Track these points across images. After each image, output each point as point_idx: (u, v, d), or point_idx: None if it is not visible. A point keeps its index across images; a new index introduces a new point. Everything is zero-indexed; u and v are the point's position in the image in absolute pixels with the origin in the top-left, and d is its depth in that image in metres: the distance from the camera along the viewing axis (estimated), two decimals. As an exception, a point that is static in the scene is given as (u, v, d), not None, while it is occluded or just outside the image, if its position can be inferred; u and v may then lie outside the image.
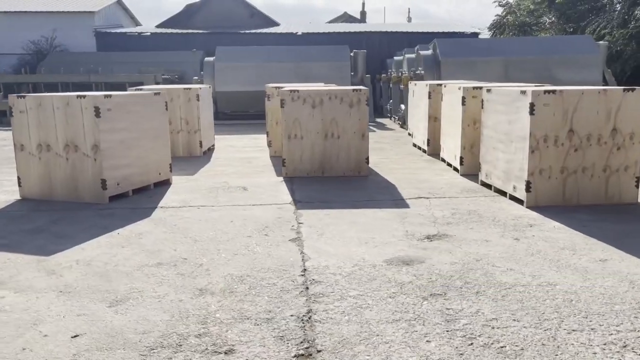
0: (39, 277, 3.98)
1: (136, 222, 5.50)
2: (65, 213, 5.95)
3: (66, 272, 4.08)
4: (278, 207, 6.10)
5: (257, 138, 12.90)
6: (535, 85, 7.03)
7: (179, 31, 24.96)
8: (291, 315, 3.30)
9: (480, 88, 7.67)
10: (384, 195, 6.68)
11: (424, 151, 10.14)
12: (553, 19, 27.70)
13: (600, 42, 15.30)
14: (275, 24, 26.82)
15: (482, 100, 7.00)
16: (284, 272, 4.06)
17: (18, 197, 6.76)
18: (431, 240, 4.78)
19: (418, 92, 10.57)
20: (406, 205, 6.09)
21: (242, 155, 10.17)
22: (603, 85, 13.40)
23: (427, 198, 6.44)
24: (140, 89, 9.95)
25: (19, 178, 6.69)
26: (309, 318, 3.27)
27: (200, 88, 10.26)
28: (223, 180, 7.76)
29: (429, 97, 9.72)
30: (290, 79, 16.22)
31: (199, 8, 27.05)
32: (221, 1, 26.88)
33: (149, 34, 25.00)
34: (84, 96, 6.25)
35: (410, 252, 4.46)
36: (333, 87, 8.94)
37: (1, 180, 7.92)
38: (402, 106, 14.58)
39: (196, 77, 17.87)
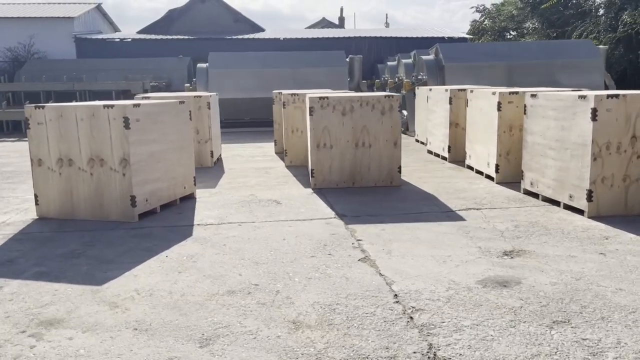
0: (102, 312, 3.51)
1: (180, 243, 5.04)
2: (96, 234, 5.44)
3: (131, 305, 3.62)
4: (325, 222, 5.71)
5: (261, 147, 12.47)
6: (576, 90, 6.82)
7: (162, 37, 24.33)
8: (414, 352, 2.93)
9: (517, 93, 7.45)
10: (429, 206, 6.35)
11: (444, 158, 9.88)
12: (536, 24, 27.97)
13: (600, 46, 15.36)
14: (260, 29, 26.38)
15: (525, 106, 6.75)
16: (374, 298, 3.67)
17: (34, 216, 6.21)
18: (512, 257, 4.46)
19: (435, 97, 10.31)
20: (460, 218, 5.77)
21: (256, 166, 9.73)
22: (604, 89, 13.40)
23: (478, 209, 6.13)
24: (148, 97, 9.43)
25: (36, 196, 6.15)
26: (435, 355, 2.90)
27: (210, 96, 9.79)
28: (249, 193, 7.33)
29: (450, 103, 9.46)
30: (288, 85, 15.82)
31: (181, 14, 26.42)
32: (204, 7, 26.33)
33: (130, 40, 24.28)
34: (112, 106, 5.76)
35: (499, 272, 4.13)
36: (342, 93, 8.59)
37: (6, 198, 7.33)
38: (405, 112, 14.32)
39: (188, 84, 17.33)
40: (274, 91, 11.55)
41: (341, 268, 4.29)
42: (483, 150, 8.04)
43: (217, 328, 3.26)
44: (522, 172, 6.89)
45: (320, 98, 7.37)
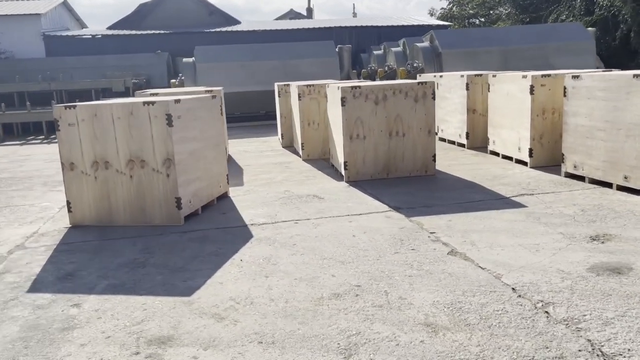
0: (211, 326, 3.21)
1: (246, 245, 4.74)
2: (147, 240, 5.08)
3: (237, 316, 3.33)
4: (384, 215, 5.49)
5: (265, 141, 12.14)
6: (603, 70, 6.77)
7: (136, 32, 23.50)
8: (579, 350, 2.75)
9: (549, 75, 7.37)
10: (479, 194, 6.21)
11: (461, 145, 9.78)
12: (509, 9, 28.28)
13: (589, 28, 15.55)
14: (236, 22, 25.79)
15: (565, 88, 6.66)
16: (493, 293, 3.49)
17: (65, 224, 5.79)
18: (603, 242, 4.35)
19: (447, 84, 10.17)
20: (519, 204, 5.64)
21: (271, 161, 9.42)
22: (597, 71, 13.55)
23: (531, 195, 6.02)
24: (156, 94, 8.98)
25: (68, 202, 5.72)
26: (601, 352, 2.74)
27: (220, 90, 9.41)
28: (283, 189, 7.04)
29: (467, 89, 9.35)
30: (278, 77, 15.44)
31: (152, 7, 25.59)
32: (177, 0, 25.56)
33: (101, 36, 23.38)
34: (153, 103, 5.38)
35: (602, 258, 4.00)
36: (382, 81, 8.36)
37: (21, 206, 6.84)
38: None
39: (174, 80, 16.75)
40: (278, 83, 11.23)
41: (435, 263, 4.08)
42: (512, 135, 7.95)
43: (350, 336, 3.01)
44: (563, 155, 6.82)
45: (353, 87, 7.12)
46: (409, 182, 7.02)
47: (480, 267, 3.96)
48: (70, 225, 5.73)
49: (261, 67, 15.82)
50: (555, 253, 4.15)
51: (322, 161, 8.98)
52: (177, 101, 5.53)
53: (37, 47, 22.37)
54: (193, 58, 16.30)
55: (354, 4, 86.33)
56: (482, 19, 35.83)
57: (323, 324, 3.17)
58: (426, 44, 14.42)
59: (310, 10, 46.16)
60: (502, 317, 3.14)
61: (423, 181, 7.08)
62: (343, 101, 7.10)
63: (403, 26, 23.41)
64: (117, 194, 5.61)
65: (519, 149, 7.79)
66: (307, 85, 9.14)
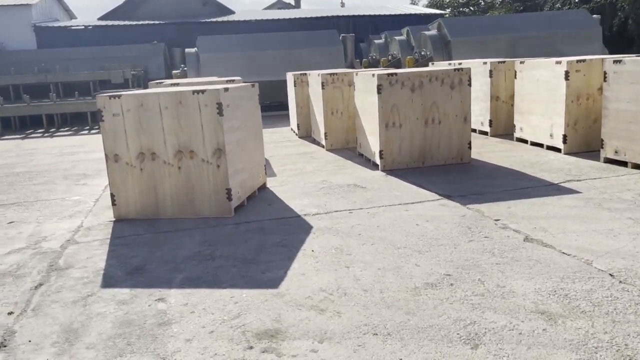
0: (315, 318, 3.11)
1: (310, 236, 4.63)
2: (204, 232, 4.94)
3: (337, 307, 3.22)
4: (439, 204, 5.42)
5: (278, 131, 11.98)
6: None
7: (130, 23, 23.06)
8: None
9: (584, 61, 7.34)
10: (524, 181, 6.17)
11: (483, 133, 9.74)
12: (503, -3, 28.34)
13: (594, 15, 15.61)
14: (230, 12, 25.46)
15: (605, 73, 6.64)
16: (592, 279, 3.43)
17: (108, 218, 5.62)
18: (676, 226, 4.33)
19: (467, 71, 10.08)
20: (572, 190, 5.61)
21: (293, 151, 9.29)
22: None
23: (579, 180, 6.00)
24: (177, 84, 8.77)
25: (112, 195, 5.54)
26: None
27: (240, 80, 9.22)
28: (319, 179, 6.93)
29: (490, 76, 9.30)
30: (283, 67, 15.27)
31: (145, -3, 25.14)
32: (170, -11, 25.10)
33: (92, 27, 22.89)
34: (203, 91, 5.22)
35: (684, 242, 3.98)
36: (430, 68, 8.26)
37: (53, 200, 6.64)
38: None
39: (176, 71, 16.45)
40: (293, 72, 11.07)
41: (516, 250, 4.02)
42: (543, 121, 7.93)
43: (466, 326, 2.93)
44: (602, 140, 6.81)
45: (389, 74, 7.01)
46: (447, 170, 6.96)
47: (564, 253, 3.91)
48: (114, 219, 5.56)
49: (265, 57, 15.61)
50: (635, 238, 4.12)
51: (347, 151, 8.87)
52: (226, 90, 5.38)
53: (27, 39, 21.86)
54: (195, 48, 16.01)
55: None
56: (473, 8, 35.91)
57: (432, 314, 3.09)
58: (434, 32, 14.35)
59: (297, 1, 45.80)
60: (616, 304, 3.09)
61: (461, 169, 7.02)
62: (379, 89, 6.99)
63: (400, 15, 23.34)
64: (164, 186, 5.45)
65: (551, 135, 7.76)
66: (331, 74, 9.00)
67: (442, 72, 7.13)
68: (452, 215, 4.98)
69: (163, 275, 3.93)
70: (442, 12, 24.96)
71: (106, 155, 5.48)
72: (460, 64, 10.45)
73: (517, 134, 8.71)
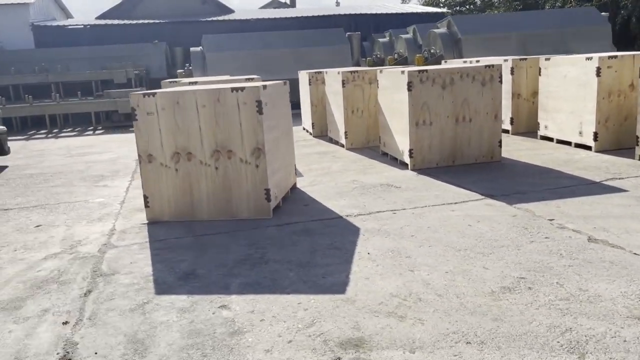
0: (397, 325, 2.94)
1: (360, 238, 4.46)
2: (246, 235, 4.76)
3: (416, 314, 3.06)
4: (484, 203, 5.27)
5: (291, 131, 11.76)
6: None
7: (130, 22, 22.75)
8: None
9: (616, 57, 7.23)
10: (564, 179, 6.04)
11: (504, 131, 9.56)
12: (502, -5, 28.30)
13: (602, 13, 15.56)
14: (229, 10, 25.23)
15: (640, 70, 6.53)
16: (674, 281, 3.30)
17: (140, 220, 5.42)
18: None
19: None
20: (617, 189, 5.48)
21: (313, 150, 9.12)
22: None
23: (621, 179, 5.88)
24: (195, 82, 8.57)
25: (145, 197, 5.34)
26: None
27: (259, 78, 9.04)
28: (349, 179, 6.77)
29: (512, 73, 9.18)
30: (290, 65, 15.11)
31: (143, -4, 24.83)
32: (168, -12, 24.81)
33: (90, 26, 22.55)
34: (242, 89, 5.03)
35: None
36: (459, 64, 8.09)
37: (74, 203, 6.42)
38: None
39: (181, 70, 16.21)
40: (306, 71, 10.90)
41: (584, 251, 3.88)
42: (570, 119, 7.81)
43: (563, 333, 2.78)
44: (638, 137, 6.70)
45: (420, 71, 6.86)
46: (480, 169, 6.82)
47: (637, 254, 3.77)
48: (146, 222, 5.36)
49: (272, 56, 15.43)
50: (703, 237, 3.99)
51: (368, 150, 8.71)
52: (265, 87, 5.20)
53: (25, 38, 21.50)
54: (201, 47, 15.79)
55: None
56: (469, 7, 35.87)
57: (521, 320, 2.93)
58: (443, 30, 14.22)
59: (293, 0, 45.64)
60: None
61: (493, 168, 6.89)
62: (409, 86, 6.83)
63: (401, 14, 23.23)
64: (201, 187, 5.26)
65: (580, 133, 7.65)
66: (352, 72, 8.84)
67: (473, 69, 6.99)
68: (502, 215, 4.83)
69: (218, 281, 3.75)
70: (444, 10, 24.88)
71: (139, 156, 5.28)
72: (477, 61, 10.32)
73: (541, 132, 8.59)
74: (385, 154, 8.07)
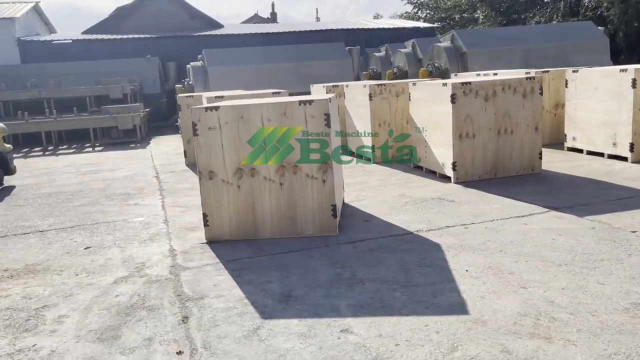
0: (548, 347, 2.79)
1: (449, 254, 4.32)
2: (322, 252, 4.57)
3: (559, 334, 2.92)
4: (553, 216, 5.19)
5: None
6: None
7: (119, 36, 22.34)
8: None
9: (651, 69, 7.30)
10: (618, 191, 6.02)
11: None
12: (487, 12, 28.79)
13: (600, 27, 15.90)
14: (219, 25, 25.05)
15: (682, 81, 6.60)
16: None
17: (197, 240, 5.18)
18: None
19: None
20: (679, 199, 5.48)
21: (339, 164, 8.96)
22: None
23: (676, 189, 5.89)
24: (221, 97, 8.36)
25: (205, 215, 5.11)
26: None
27: (286, 92, 8.88)
28: (395, 192, 6.64)
29: (535, 86, 9.20)
30: (292, 80, 15.04)
31: (131, 11, 24.48)
32: (156, 3, 24.50)
33: (75, 41, 22.06)
34: (310, 102, 4.87)
35: None
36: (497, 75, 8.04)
37: (118, 222, 6.14)
38: None
39: (180, 85, 15.93)
40: (322, 85, 10.79)
41: (688, 263, 3.81)
42: (603, 130, 7.85)
43: None
44: (679, 148, 6.75)
45: (463, 84, 6.81)
46: (524, 181, 6.77)
47: None
48: (205, 241, 5.12)
49: (274, 70, 15.30)
50: None
51: (396, 163, 8.61)
52: (330, 100, 5.05)
53: (11, 53, 20.91)
54: (201, 62, 15.56)
55: (317, 9, 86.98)
56: (450, 22, 36.40)
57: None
58: (447, 43, 14.31)
59: (274, 15, 45.78)
60: None
61: (537, 180, 6.84)
62: (453, 98, 6.77)
63: (392, 29, 23.41)
64: (264, 204, 5.05)
65: (614, 144, 7.69)
66: (379, 85, 8.76)
67: (514, 81, 6.97)
68: (580, 228, 4.76)
69: (323, 303, 3.55)
70: (434, 25, 25.19)
71: (199, 172, 5.05)
72: (495, 74, 10.36)
73: (568, 144, 8.63)
74: (418, 167, 7.97)
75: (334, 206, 5.03)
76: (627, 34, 20.59)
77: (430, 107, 7.34)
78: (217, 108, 4.94)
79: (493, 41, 14.23)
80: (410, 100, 7.97)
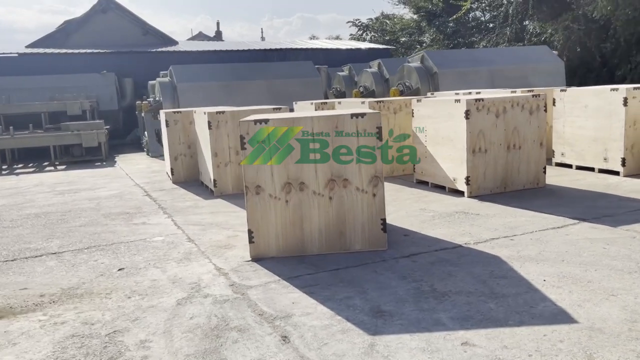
0: (684, 351, 2.86)
1: (512, 266, 4.36)
2: (382, 267, 4.49)
3: (685, 337, 3.01)
4: (587, 226, 5.37)
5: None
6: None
7: (66, 51, 21.36)
8: None
9: (639, 88, 7.79)
10: (629, 202, 6.33)
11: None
12: (434, 35, 29.84)
13: (554, 51, 16.81)
14: (173, 42, 24.55)
15: (674, 99, 7.07)
16: None
17: (239, 258, 4.97)
18: None
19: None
20: (692, 209, 5.83)
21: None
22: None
23: (683, 200, 6.26)
24: (222, 112, 8.14)
25: (250, 232, 4.91)
26: None
27: (287, 108, 8.77)
28: (417, 207, 6.67)
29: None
30: (263, 97, 14.93)
31: (79, 25, 23.56)
32: (106, 17, 23.71)
33: (17, 54, 20.89)
34: (362, 115, 4.83)
35: None
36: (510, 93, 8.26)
37: (138, 242, 5.80)
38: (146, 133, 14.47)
39: (145, 102, 15.39)
40: (309, 101, 10.76)
41: None
42: (593, 146, 8.26)
43: None
44: (672, 162, 7.20)
45: (477, 100, 6.98)
46: (535, 195, 6.99)
47: None
48: (250, 259, 4.92)
49: (245, 87, 15.11)
50: None
51: (395, 178, 8.68)
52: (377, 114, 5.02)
53: (-53, 67, 19.51)
54: (169, 78, 15.13)
55: (262, 29, 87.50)
56: (396, 44, 37.44)
57: None
58: (417, 64, 14.68)
59: (219, 33, 45.48)
60: None
61: (545, 193, 7.08)
62: (467, 114, 6.92)
63: (350, 49, 23.80)
64: (312, 219, 4.93)
65: (605, 159, 8.10)
66: (378, 101, 8.83)
67: (522, 98, 7.22)
68: (622, 238, 4.95)
69: (422, 317, 3.48)
70: (390, 47, 25.85)
71: (246, 187, 4.87)
72: (478, 92, 10.71)
73: (557, 159, 9.01)
74: (422, 182, 8.07)
75: (384, 220, 4.97)
76: (570, 58, 21.87)
77: (439, 124, 7.47)
78: (266, 121, 4.79)
79: (461, 62, 14.74)
80: (413, 116, 8.08)
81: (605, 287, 3.80)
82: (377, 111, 4.95)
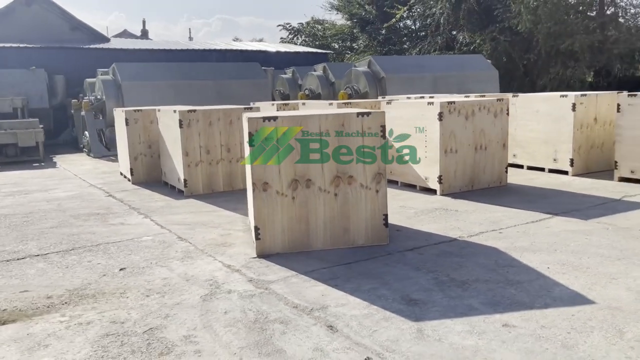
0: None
1: (520, 257, 4.67)
2: (390, 260, 4.66)
3: (692, 312, 3.39)
4: (561, 220, 5.82)
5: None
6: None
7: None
8: None
9: (586, 95, 8.50)
10: (588, 198, 6.89)
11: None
12: (367, 41, 30.59)
13: (488, 60, 17.80)
14: (105, 39, 23.57)
15: (619, 105, 7.79)
16: None
17: (244, 255, 4.98)
18: None
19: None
20: (634, 206, 6.47)
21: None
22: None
23: (633, 195, 6.90)
24: (138, 110, 8.01)
25: (257, 228, 4.92)
26: None
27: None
28: (396, 204, 6.91)
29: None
30: (210, 97, 14.73)
31: (0, 18, 22.04)
32: (30, 10, 22.35)
33: None
34: (368, 114, 4.98)
35: None
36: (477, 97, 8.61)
37: (125, 242, 5.63)
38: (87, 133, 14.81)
39: (85, 100, 14.73)
40: (270, 102, 10.77)
41: None
42: (543, 148, 8.91)
43: None
44: (616, 162, 7.92)
45: (449, 103, 7.34)
46: (500, 192, 7.45)
47: None
48: (255, 255, 4.93)
49: (192, 87, 14.83)
50: None
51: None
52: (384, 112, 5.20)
53: None
54: (111, 76, 14.56)
55: (189, 29, 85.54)
56: (328, 49, 37.98)
57: None
58: (364, 68, 15.07)
59: (145, 32, 44.07)
60: None
61: (509, 191, 7.56)
62: (440, 116, 7.27)
63: (288, 52, 23.93)
64: (317, 215, 5.01)
65: (555, 160, 8.76)
66: (345, 103, 9.03)
67: (488, 102, 7.68)
68: (598, 229, 5.41)
69: (454, 303, 3.67)
70: (328, 52, 26.24)
71: (254, 184, 4.88)
72: (423, 97, 11.19)
73: (509, 160, 9.59)
74: (391, 182, 8.31)
75: (386, 216, 5.15)
76: (497, 67, 23.22)
77: (410, 124, 7.77)
78: (275, 118, 4.83)
79: (407, 68, 15.29)
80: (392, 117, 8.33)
81: (603, 273, 4.18)
82: (381, 111, 5.12)
